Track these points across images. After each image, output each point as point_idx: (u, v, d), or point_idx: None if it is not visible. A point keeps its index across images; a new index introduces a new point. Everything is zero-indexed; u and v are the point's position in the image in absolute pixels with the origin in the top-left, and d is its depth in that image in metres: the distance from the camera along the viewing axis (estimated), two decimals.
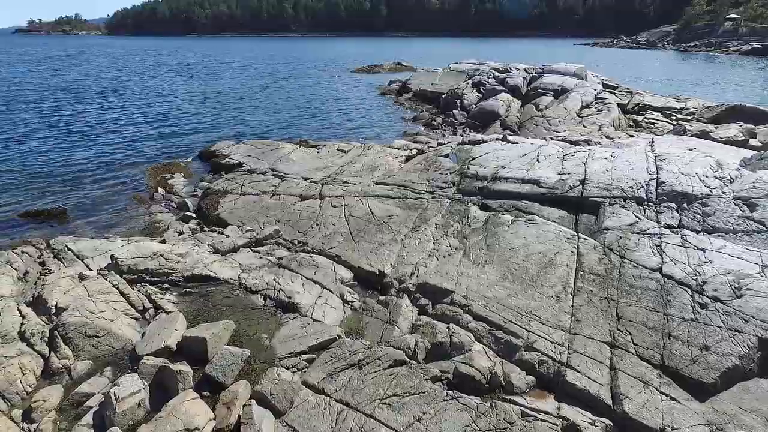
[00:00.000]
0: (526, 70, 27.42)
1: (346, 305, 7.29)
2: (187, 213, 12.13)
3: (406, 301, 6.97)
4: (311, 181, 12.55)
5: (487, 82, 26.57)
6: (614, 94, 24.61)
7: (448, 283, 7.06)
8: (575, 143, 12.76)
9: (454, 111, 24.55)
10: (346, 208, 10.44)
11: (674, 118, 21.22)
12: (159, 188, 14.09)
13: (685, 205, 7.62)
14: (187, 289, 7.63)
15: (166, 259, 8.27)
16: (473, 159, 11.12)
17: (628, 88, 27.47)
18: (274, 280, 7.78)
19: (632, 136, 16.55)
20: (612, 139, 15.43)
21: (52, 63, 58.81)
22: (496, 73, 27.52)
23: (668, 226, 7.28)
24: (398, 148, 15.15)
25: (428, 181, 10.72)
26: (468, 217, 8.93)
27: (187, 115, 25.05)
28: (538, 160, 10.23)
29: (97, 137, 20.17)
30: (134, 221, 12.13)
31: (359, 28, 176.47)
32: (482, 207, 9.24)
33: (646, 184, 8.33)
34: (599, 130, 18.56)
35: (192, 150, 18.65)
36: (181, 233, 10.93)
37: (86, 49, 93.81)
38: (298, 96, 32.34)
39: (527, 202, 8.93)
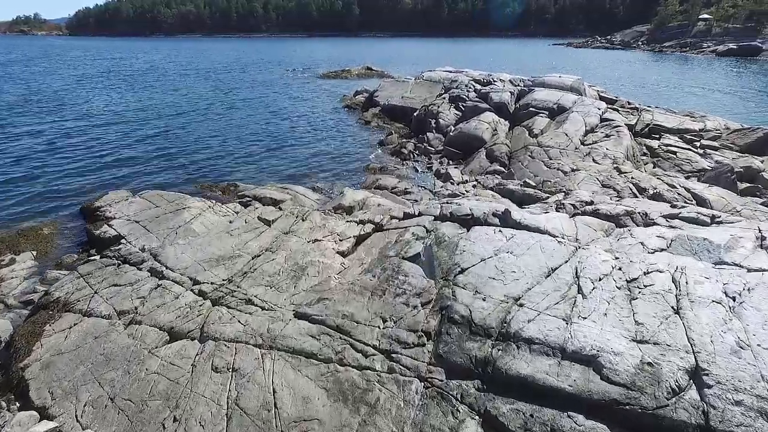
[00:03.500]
0: (512, 82, 22.84)
1: None
2: None
3: None
4: (198, 292, 7.60)
5: (467, 96, 21.88)
6: (618, 111, 20.24)
7: None
8: (615, 220, 8.13)
9: (428, 134, 19.80)
10: (234, 381, 5.56)
11: (698, 144, 16.93)
12: None
13: None
14: None
15: None
16: (461, 271, 6.36)
17: (629, 102, 23.21)
18: None
19: (660, 178, 12.04)
20: (657, 197, 10.83)
21: None
22: (477, 86, 22.85)
23: None
24: (347, 211, 10.30)
25: (383, 322, 5.90)
26: None
27: (101, 145, 19.54)
28: (580, 292, 5.52)
29: None
30: None
31: (332, 28, 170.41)
32: (485, 418, 4.47)
33: None
34: (614, 166, 14.08)
35: (78, 203, 13.41)
36: None
37: (36, 53, 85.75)
38: (250, 113, 27.08)
39: (579, 417, 4.19)
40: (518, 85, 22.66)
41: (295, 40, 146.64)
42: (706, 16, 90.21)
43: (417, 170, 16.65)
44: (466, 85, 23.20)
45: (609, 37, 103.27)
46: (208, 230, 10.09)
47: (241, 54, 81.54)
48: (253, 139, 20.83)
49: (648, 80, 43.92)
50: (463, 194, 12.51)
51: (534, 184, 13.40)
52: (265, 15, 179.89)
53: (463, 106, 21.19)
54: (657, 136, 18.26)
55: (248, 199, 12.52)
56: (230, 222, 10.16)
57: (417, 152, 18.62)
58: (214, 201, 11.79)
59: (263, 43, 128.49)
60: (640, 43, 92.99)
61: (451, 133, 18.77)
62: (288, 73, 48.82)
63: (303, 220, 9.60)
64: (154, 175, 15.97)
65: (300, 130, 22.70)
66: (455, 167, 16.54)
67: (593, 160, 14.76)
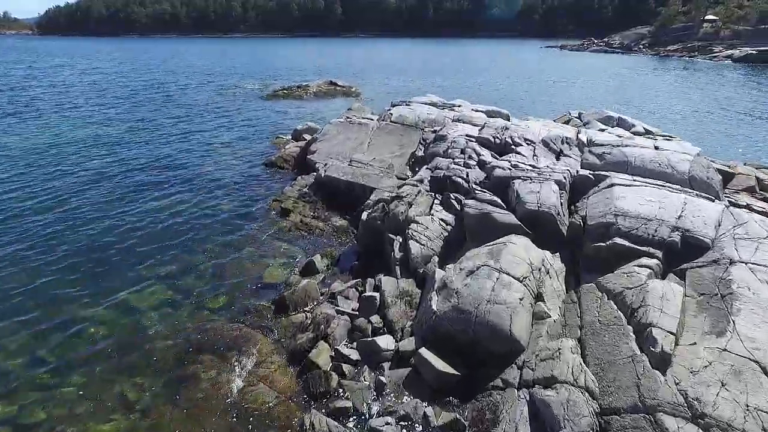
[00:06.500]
0: (548, 144, 11.59)
1: None
2: None
3: None
4: None
5: (466, 180, 10.70)
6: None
7: None
8: None
9: (384, 288, 8.57)
10: None
11: None
12: None
13: None
14: None
15: None
16: None
17: (760, 181, 12.22)
18: None
19: None
20: None
21: None
22: (484, 155, 11.61)
23: None
24: None
25: None
26: None
27: None
28: None
29: None
30: None
31: (313, 28, 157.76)
32: None
33: None
34: None
35: None
36: None
37: None
38: (113, 190, 15.59)
39: None
40: (558, 149, 11.51)
41: (273, 41, 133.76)
42: (711, 17, 79.75)
43: None
44: (462, 151, 11.96)
45: (607, 39, 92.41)
46: None
47: (201, 60, 69.18)
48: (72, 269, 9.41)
49: (677, 101, 33.05)
50: None
51: None
52: (244, 15, 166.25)
53: (460, 205, 10.01)
54: None
55: None
56: None
57: (355, 367, 7.36)
58: None
59: (237, 44, 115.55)
60: (641, 46, 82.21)
61: (435, 311, 7.47)
62: (232, 91, 37.02)
63: None
64: None
65: (157, 245, 11.35)
66: None
67: None
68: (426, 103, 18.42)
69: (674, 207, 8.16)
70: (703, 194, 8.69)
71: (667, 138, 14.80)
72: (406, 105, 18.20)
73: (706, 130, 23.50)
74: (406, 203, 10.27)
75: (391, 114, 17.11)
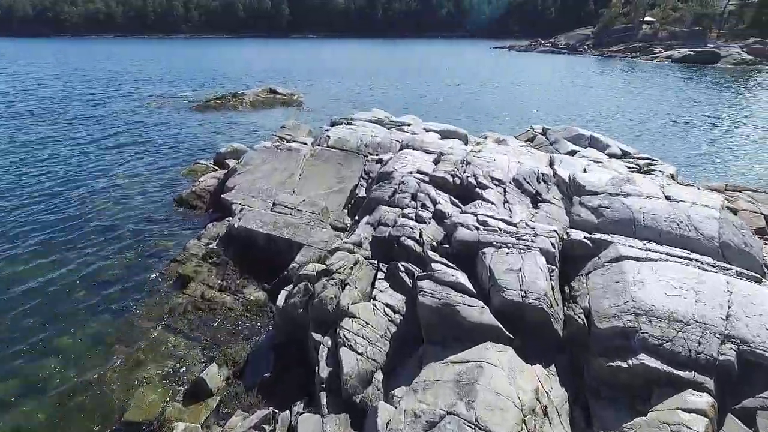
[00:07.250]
0: (520, 184, 8.91)
1: None
2: None
3: None
4: None
5: (419, 242, 7.83)
6: None
7: None
8: None
9: None
10: None
11: None
12: None
13: None
14: None
15: None
16: None
17: None
18: None
19: None
20: None
21: None
22: (439, 204, 8.79)
23: None
24: None
25: None
26: None
27: None
28: None
29: None
30: None
31: (260, 29, 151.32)
32: None
33: None
34: None
35: None
36: None
37: None
38: None
39: None
40: (533, 191, 8.90)
41: (217, 42, 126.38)
42: (650, 19, 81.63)
43: None
44: (414, 197, 9.08)
45: (553, 40, 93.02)
46: None
47: (133, 63, 62.95)
48: None
49: (636, 106, 31.99)
50: None
51: None
52: (186, 15, 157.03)
53: (412, 281, 7.15)
54: None
55: None
56: None
57: None
58: None
59: (178, 46, 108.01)
60: (586, 47, 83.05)
61: None
62: (159, 101, 32.54)
63: None
64: None
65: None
66: None
67: None
68: (371, 121, 15.50)
69: (716, 298, 5.62)
70: (744, 270, 6.22)
71: (650, 162, 12.66)
72: (347, 124, 15.18)
73: (676, 143, 21.96)
74: (337, 282, 7.27)
75: (329, 137, 14.02)
